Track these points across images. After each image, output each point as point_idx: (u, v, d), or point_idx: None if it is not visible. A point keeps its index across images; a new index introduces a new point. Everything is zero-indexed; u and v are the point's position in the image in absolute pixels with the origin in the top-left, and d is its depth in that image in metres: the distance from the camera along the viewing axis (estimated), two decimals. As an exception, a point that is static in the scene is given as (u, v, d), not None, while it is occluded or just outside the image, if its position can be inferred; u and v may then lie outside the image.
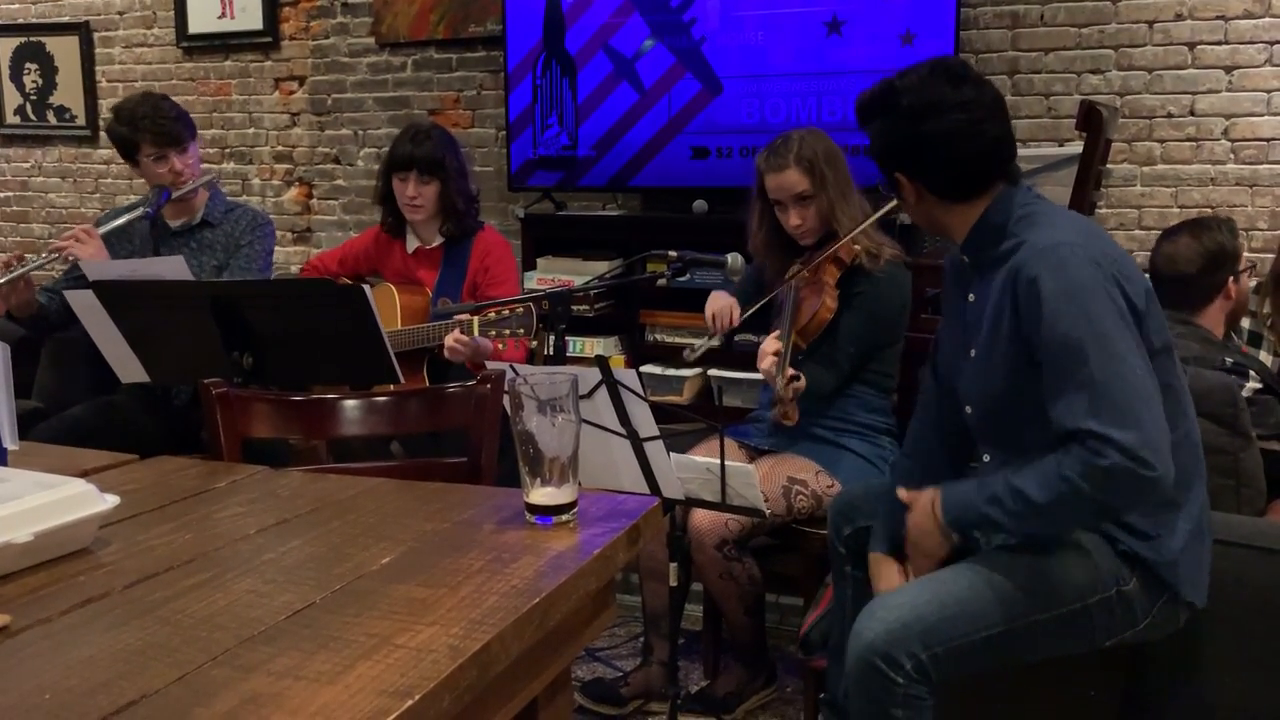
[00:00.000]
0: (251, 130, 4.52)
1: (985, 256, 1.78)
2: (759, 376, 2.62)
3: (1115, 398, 1.58)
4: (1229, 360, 2.24)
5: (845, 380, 2.44)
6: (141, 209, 2.77)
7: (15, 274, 2.56)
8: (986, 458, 1.88)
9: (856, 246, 2.42)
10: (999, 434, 1.85)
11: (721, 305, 2.58)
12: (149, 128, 2.75)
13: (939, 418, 2.00)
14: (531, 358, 2.85)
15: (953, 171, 1.76)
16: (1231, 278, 2.32)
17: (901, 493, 1.88)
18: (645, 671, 2.60)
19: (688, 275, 3.31)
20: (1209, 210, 3.14)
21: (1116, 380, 1.58)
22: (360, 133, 4.32)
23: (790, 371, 2.28)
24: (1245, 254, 2.47)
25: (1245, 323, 2.63)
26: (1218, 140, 3.20)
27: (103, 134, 4.40)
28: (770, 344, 2.36)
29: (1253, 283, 2.51)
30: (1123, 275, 1.67)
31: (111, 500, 1.26)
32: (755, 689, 2.60)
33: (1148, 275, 2.19)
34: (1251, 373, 2.23)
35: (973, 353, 1.85)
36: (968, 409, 1.88)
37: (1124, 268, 1.69)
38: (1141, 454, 1.56)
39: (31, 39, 4.79)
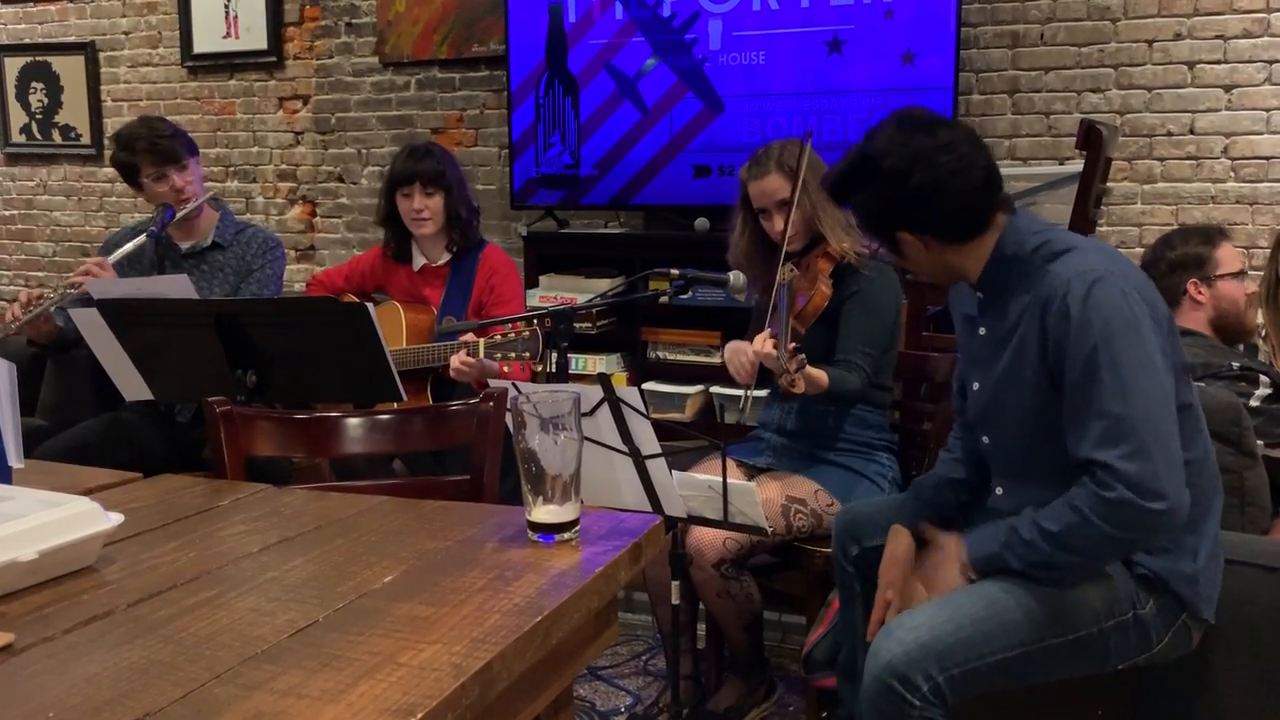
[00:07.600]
0: (255, 149, 4.54)
1: (1004, 290, 1.79)
2: (760, 393, 2.60)
3: (1127, 429, 1.59)
4: (1235, 365, 2.23)
5: (869, 381, 2.44)
6: (146, 231, 2.78)
7: (36, 312, 2.63)
8: (999, 490, 1.88)
9: (844, 245, 2.45)
10: (1016, 464, 1.85)
11: (735, 360, 2.46)
12: (145, 148, 2.78)
13: (967, 446, 2.00)
14: (535, 379, 2.86)
15: (956, 213, 1.75)
16: (1193, 282, 2.35)
17: (928, 529, 1.88)
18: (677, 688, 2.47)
19: (690, 293, 3.31)
20: (1209, 227, 3.15)
21: (1130, 412, 1.59)
22: (364, 151, 4.34)
23: (792, 345, 2.25)
24: (1244, 268, 2.46)
25: None
26: (1217, 159, 3.21)
27: (108, 153, 4.43)
28: (760, 340, 2.30)
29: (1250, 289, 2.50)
30: (1149, 300, 1.68)
31: (115, 519, 1.26)
32: (755, 702, 2.60)
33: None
34: (1263, 377, 2.22)
35: (975, 385, 1.87)
36: (985, 439, 1.89)
37: (1149, 293, 1.71)
38: (1149, 487, 1.57)
39: (37, 59, 4.83)
